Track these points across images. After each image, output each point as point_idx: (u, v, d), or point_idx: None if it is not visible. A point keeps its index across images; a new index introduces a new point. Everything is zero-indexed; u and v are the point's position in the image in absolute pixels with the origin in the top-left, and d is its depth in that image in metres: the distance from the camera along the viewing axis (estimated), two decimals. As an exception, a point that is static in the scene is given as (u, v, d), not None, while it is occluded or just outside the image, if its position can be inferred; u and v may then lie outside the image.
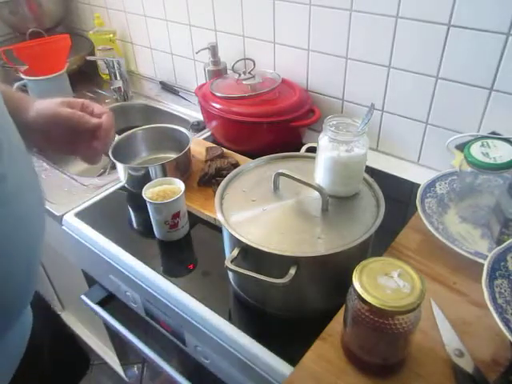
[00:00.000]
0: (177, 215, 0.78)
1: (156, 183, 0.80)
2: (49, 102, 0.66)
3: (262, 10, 1.05)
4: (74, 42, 1.33)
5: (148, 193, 0.78)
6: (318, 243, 0.59)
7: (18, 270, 0.50)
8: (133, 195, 0.93)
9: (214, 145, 1.03)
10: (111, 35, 1.45)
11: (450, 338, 0.57)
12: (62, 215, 0.90)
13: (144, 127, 0.99)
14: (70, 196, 0.96)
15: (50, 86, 1.29)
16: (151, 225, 0.80)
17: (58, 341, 0.77)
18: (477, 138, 0.73)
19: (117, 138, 0.95)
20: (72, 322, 1.55)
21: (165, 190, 0.79)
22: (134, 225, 0.88)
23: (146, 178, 0.87)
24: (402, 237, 0.74)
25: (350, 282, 0.50)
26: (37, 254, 0.56)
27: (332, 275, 0.62)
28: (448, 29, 0.81)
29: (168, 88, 1.41)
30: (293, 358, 0.58)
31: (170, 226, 0.78)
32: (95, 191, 0.96)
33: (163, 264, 0.77)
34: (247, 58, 1.10)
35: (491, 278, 0.55)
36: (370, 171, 0.72)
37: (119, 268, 0.80)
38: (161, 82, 1.44)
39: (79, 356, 0.86)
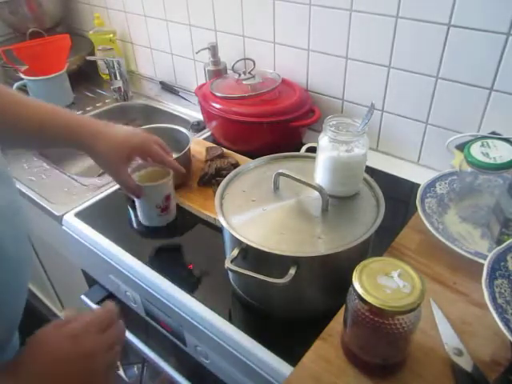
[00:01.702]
0: (168, 197, 0.76)
1: (140, 166, 0.78)
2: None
3: (262, 10, 1.05)
4: (74, 42, 1.33)
5: (135, 177, 0.76)
6: (318, 243, 0.59)
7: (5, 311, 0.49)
8: (133, 195, 0.93)
9: (214, 145, 1.03)
10: (111, 35, 1.45)
11: (449, 337, 0.57)
12: (62, 215, 0.90)
13: (144, 127, 0.99)
14: (70, 196, 0.96)
15: (50, 86, 1.29)
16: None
17: None
18: (477, 138, 0.73)
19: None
20: (72, 322, 1.55)
21: (151, 172, 0.77)
22: (134, 225, 0.88)
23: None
24: (402, 237, 0.74)
25: (350, 282, 0.50)
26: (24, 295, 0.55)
27: (332, 275, 0.62)
28: (448, 29, 0.81)
29: (168, 88, 1.41)
30: (293, 358, 0.58)
31: (161, 210, 0.77)
32: (95, 191, 0.96)
33: (163, 264, 0.77)
34: (247, 58, 1.10)
35: (491, 278, 0.55)
36: (370, 171, 0.72)
37: (119, 268, 0.80)
38: (161, 82, 1.44)
39: None
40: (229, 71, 1.18)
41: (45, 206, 0.94)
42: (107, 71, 1.37)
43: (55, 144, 0.74)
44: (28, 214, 0.57)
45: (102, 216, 0.89)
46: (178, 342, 0.80)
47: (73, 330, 0.48)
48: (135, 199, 0.78)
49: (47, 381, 0.44)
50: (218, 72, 1.17)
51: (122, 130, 0.73)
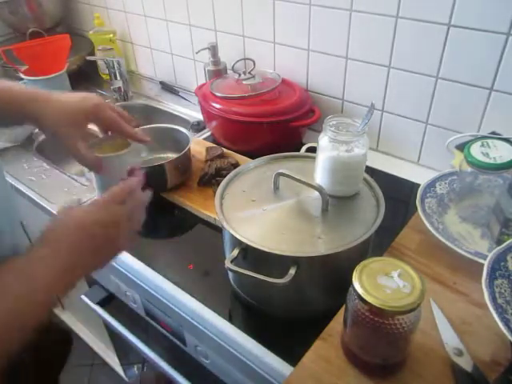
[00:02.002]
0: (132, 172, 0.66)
1: (101, 140, 0.69)
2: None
3: (262, 10, 1.05)
4: (74, 42, 1.33)
5: (95, 151, 0.66)
6: (318, 243, 0.59)
7: None
8: (133, 195, 0.93)
9: (214, 145, 1.03)
10: (111, 35, 1.45)
11: (449, 337, 0.57)
12: (62, 215, 0.90)
13: (144, 127, 0.99)
14: (70, 196, 0.96)
15: (50, 86, 1.29)
16: (151, 225, 0.80)
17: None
18: (477, 138, 0.73)
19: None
20: (72, 322, 1.55)
21: (113, 145, 0.68)
22: (134, 225, 0.88)
23: (145, 178, 0.87)
24: (401, 237, 0.74)
25: (350, 282, 0.50)
26: None
27: (332, 275, 0.62)
28: (448, 29, 0.81)
29: (168, 88, 1.41)
30: (293, 358, 0.58)
31: None
32: (95, 191, 0.96)
33: (163, 264, 0.77)
34: (247, 58, 1.10)
35: (491, 278, 0.55)
36: (370, 171, 0.72)
37: (119, 268, 0.80)
38: (161, 82, 1.44)
39: (61, 339, 0.85)
40: (229, 71, 1.18)
41: (45, 206, 0.94)
42: (107, 71, 1.37)
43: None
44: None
45: (102, 216, 0.89)
46: (178, 342, 0.80)
47: (90, 208, 0.53)
48: (94, 177, 0.69)
49: (68, 254, 0.48)
50: (217, 72, 1.17)
51: (71, 95, 0.64)
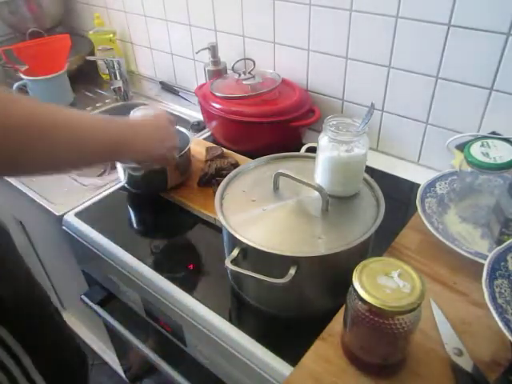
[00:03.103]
0: None
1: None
2: None
3: (262, 10, 1.05)
4: (74, 42, 1.33)
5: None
6: (318, 243, 0.59)
7: None
8: (133, 195, 0.93)
9: (214, 145, 1.03)
10: (111, 35, 1.45)
11: (449, 337, 0.57)
12: (62, 215, 0.90)
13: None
14: (70, 196, 0.96)
15: (50, 86, 1.29)
16: (151, 224, 0.80)
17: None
18: (477, 138, 0.73)
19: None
20: (72, 322, 1.55)
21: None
22: (134, 225, 0.88)
23: (145, 178, 0.87)
24: (401, 237, 0.74)
25: (350, 282, 0.50)
26: None
27: (332, 275, 0.62)
28: (448, 29, 0.81)
29: (168, 88, 1.41)
30: (293, 358, 0.58)
31: None
32: (95, 191, 0.96)
33: (163, 264, 0.77)
34: (247, 58, 1.10)
35: (491, 277, 0.55)
36: (370, 171, 0.72)
37: (119, 268, 0.80)
38: (161, 82, 1.44)
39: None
40: (229, 71, 1.18)
41: (45, 205, 0.94)
42: (107, 71, 1.37)
43: None
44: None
45: (102, 216, 0.89)
46: (178, 342, 0.80)
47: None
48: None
49: (147, 131, 0.68)
50: (217, 72, 1.17)
51: None
